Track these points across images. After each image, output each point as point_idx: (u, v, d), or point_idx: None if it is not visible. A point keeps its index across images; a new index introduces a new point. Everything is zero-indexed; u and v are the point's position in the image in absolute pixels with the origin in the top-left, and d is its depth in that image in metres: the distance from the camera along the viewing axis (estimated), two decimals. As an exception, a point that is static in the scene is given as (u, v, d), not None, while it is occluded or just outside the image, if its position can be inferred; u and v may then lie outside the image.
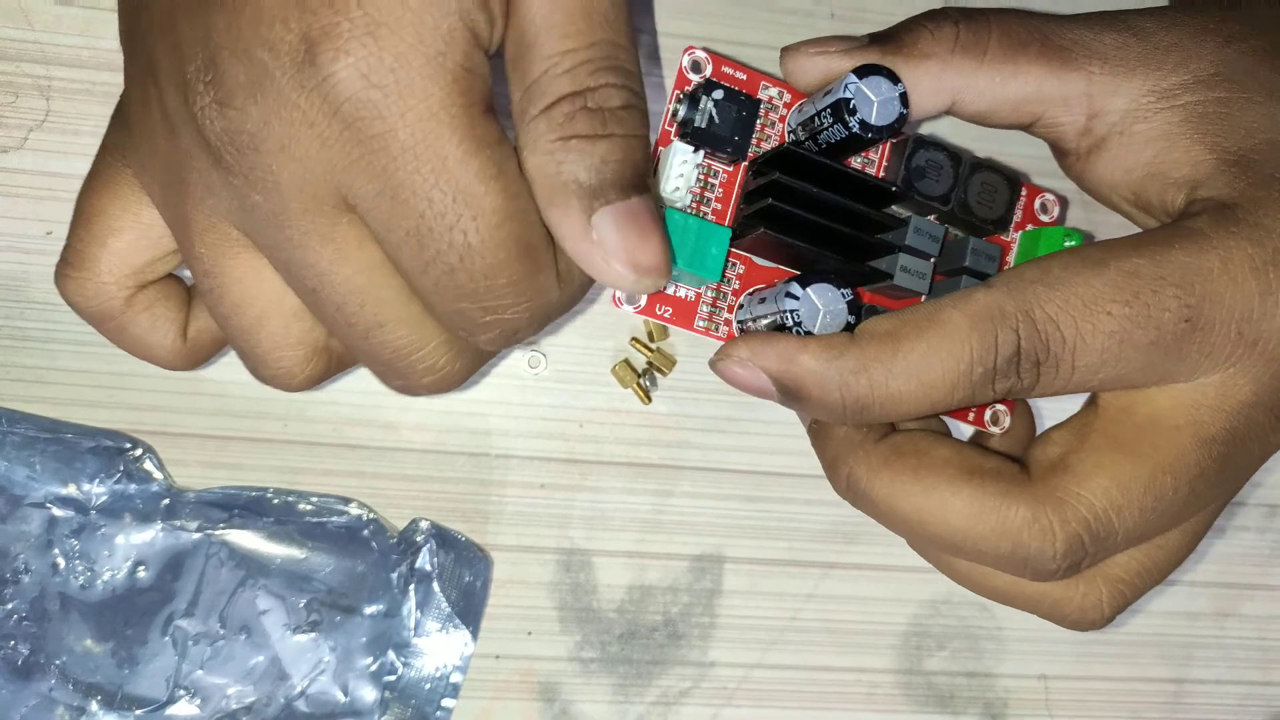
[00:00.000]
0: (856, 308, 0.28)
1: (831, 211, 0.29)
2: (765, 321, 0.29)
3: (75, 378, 0.32)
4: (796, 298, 0.27)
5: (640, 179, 0.24)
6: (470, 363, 0.26)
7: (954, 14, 0.29)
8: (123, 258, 0.26)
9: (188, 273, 0.26)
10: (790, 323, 0.27)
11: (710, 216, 0.29)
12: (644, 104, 0.24)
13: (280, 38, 0.21)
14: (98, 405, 0.32)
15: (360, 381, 0.33)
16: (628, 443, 0.35)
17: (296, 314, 0.25)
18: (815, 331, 0.27)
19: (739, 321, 0.30)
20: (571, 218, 0.23)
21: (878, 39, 0.29)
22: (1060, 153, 0.31)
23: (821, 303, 0.27)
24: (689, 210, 0.29)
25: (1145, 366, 0.26)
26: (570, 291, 0.25)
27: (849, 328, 0.27)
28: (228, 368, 0.32)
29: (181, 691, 0.30)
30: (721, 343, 0.29)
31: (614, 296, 0.28)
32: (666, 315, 0.29)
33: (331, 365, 0.27)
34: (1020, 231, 0.32)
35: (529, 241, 0.23)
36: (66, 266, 0.27)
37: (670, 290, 0.29)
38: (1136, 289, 0.25)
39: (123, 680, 0.30)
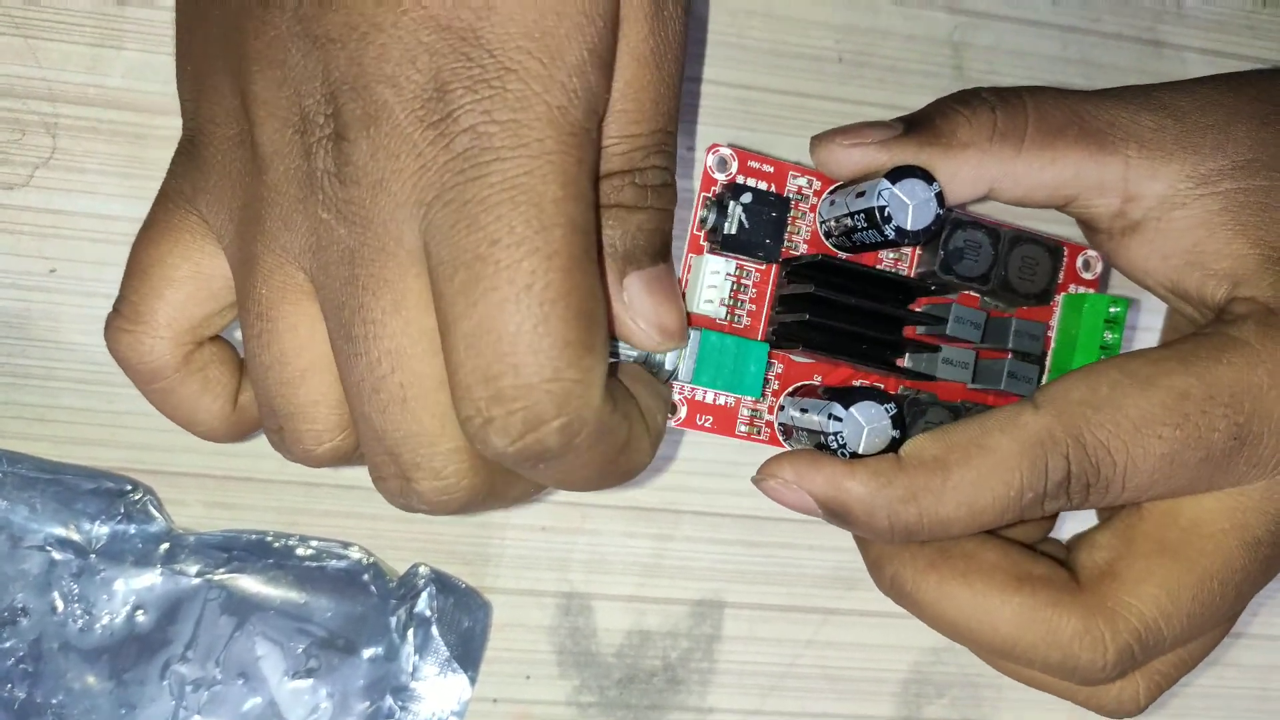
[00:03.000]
0: (900, 422, 0.28)
1: (869, 317, 0.29)
2: (807, 431, 0.29)
3: (76, 416, 0.32)
4: (840, 419, 0.27)
5: (666, 248, 0.25)
6: (479, 483, 0.24)
7: (989, 98, 0.29)
8: (180, 310, 0.26)
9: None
10: (835, 445, 0.27)
11: (744, 319, 0.30)
12: (675, 181, 0.25)
13: (408, 76, 0.22)
14: (98, 444, 0.32)
15: (362, 422, 0.33)
16: (629, 486, 0.35)
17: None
18: (861, 450, 0.27)
19: (781, 424, 0.30)
20: (605, 279, 0.24)
21: (913, 127, 0.28)
22: (1091, 230, 0.30)
23: (865, 420, 0.27)
24: (722, 323, 0.29)
25: (1193, 481, 0.26)
26: (613, 420, 0.23)
27: (894, 442, 0.27)
28: (229, 407, 0.32)
29: (178, 736, 0.30)
30: (765, 446, 0.30)
31: None
32: (707, 425, 0.29)
33: (358, 451, 0.26)
34: (1063, 294, 0.32)
35: (590, 312, 0.22)
36: (119, 319, 0.26)
37: (709, 399, 0.29)
38: (1186, 411, 0.25)
39: (119, 724, 0.30)
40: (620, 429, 0.24)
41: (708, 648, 0.35)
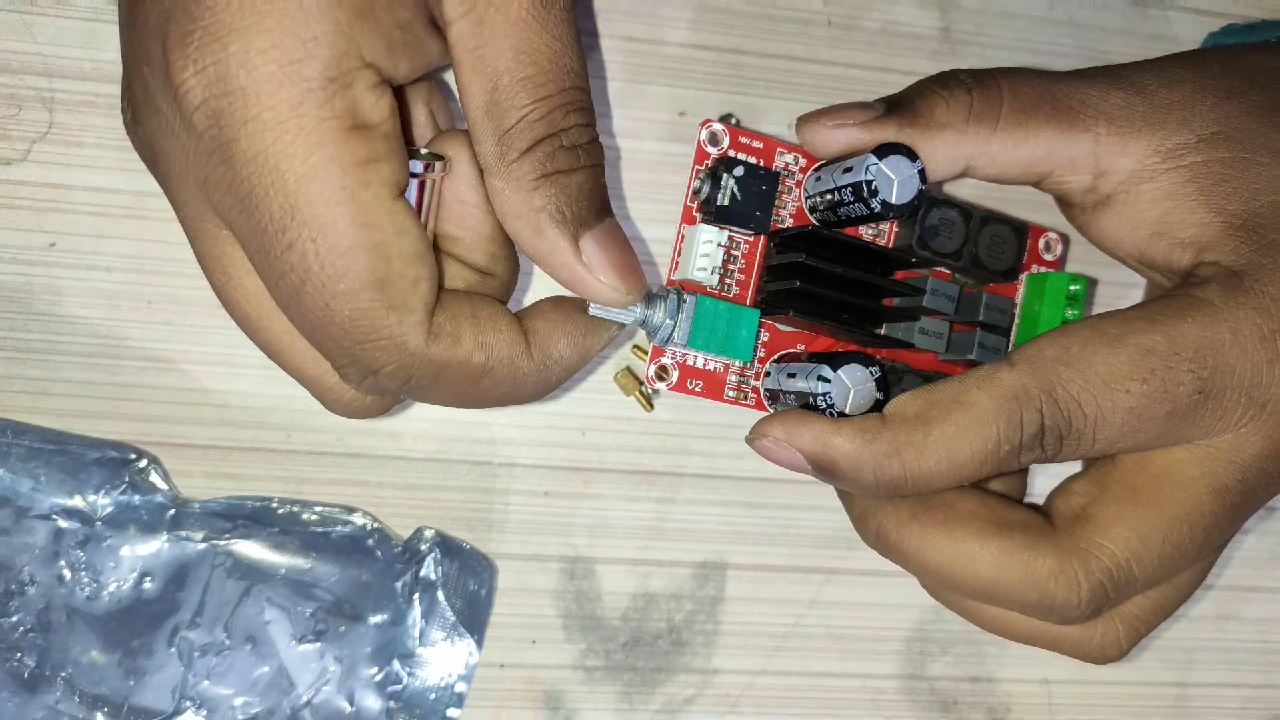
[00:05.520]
0: (884, 384, 0.29)
1: (854, 286, 0.30)
2: (795, 394, 0.29)
3: (79, 389, 0.32)
4: (828, 380, 0.28)
5: (606, 203, 0.26)
6: (378, 401, 0.27)
7: (966, 79, 0.29)
8: None
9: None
10: (823, 405, 0.28)
11: (734, 288, 0.31)
12: (597, 133, 0.26)
13: (153, 52, 0.22)
14: (102, 416, 0.32)
15: (363, 391, 0.33)
16: (630, 450, 0.35)
17: None
18: (847, 410, 0.28)
19: (767, 389, 0.31)
20: (562, 246, 0.25)
21: (894, 108, 0.29)
22: (1065, 204, 0.31)
23: (851, 382, 0.28)
24: (713, 290, 0.30)
25: (1161, 434, 0.27)
26: (448, 353, 0.25)
27: (878, 403, 0.28)
28: (230, 378, 0.32)
29: (187, 703, 0.30)
30: (751, 410, 0.31)
31: (647, 375, 0.30)
32: (697, 389, 0.30)
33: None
34: (1026, 274, 0.33)
35: (381, 276, 0.23)
36: None
37: (699, 364, 0.30)
38: (1153, 366, 0.26)
39: (129, 692, 0.30)
40: (462, 361, 0.25)
41: (712, 609, 0.36)
